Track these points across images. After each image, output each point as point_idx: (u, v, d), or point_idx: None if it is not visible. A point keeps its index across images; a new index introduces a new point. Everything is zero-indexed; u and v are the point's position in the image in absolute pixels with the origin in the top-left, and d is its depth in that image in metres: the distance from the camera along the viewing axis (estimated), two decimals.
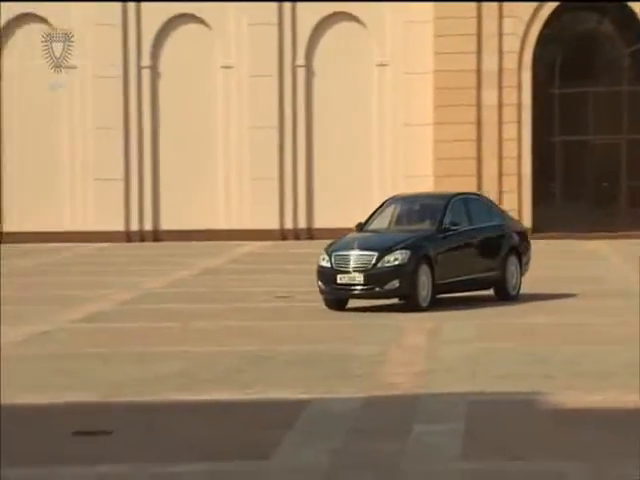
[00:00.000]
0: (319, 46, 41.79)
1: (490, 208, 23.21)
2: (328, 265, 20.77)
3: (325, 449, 10.57)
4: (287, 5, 41.16)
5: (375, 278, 20.42)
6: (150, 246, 40.26)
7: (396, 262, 20.36)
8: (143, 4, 40.87)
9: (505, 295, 22.09)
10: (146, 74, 41.41)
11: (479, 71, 41.17)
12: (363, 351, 17.03)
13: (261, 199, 40.26)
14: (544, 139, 42.84)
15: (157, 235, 41.31)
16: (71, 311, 22.20)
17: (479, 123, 41.34)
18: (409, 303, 20.59)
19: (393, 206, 22.71)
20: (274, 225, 41.20)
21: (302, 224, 41.89)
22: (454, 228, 21.28)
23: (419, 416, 12.24)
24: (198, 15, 41.20)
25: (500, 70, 41.19)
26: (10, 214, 40.69)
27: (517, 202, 40.83)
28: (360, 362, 15.97)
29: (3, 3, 39.48)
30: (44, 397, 13.73)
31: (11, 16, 40.44)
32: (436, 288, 20.83)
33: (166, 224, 41.17)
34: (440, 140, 41.05)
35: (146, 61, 41.32)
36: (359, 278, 20.44)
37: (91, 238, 39.27)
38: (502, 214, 23.38)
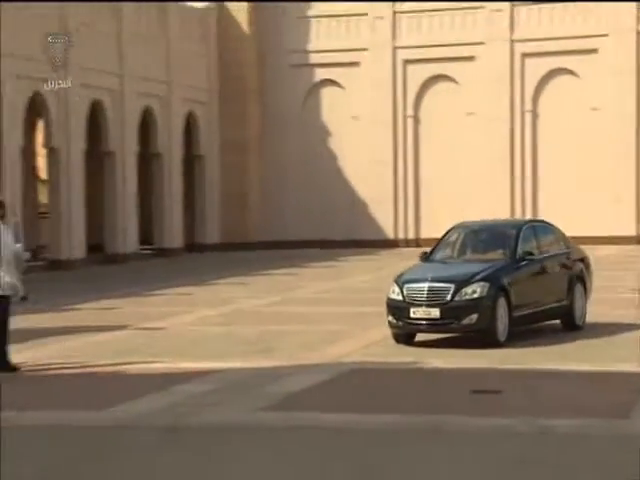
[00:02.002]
0: None
1: (556, 235, 17.21)
2: (400, 298, 14.91)
3: None
4: None
5: (452, 312, 14.66)
6: None
7: (474, 295, 14.66)
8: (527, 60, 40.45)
9: (572, 325, 16.28)
10: (528, 117, 40.81)
11: None
12: None
13: None
14: None
15: None
16: None
17: None
18: (487, 338, 14.75)
19: (458, 234, 16.85)
20: None
21: None
22: (529, 258, 15.66)
23: None
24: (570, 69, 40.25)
25: None
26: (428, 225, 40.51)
27: None
28: None
29: None
30: (448, 362, 13.64)
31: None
32: (513, 321, 15.06)
33: None
34: None
35: (528, 106, 40.72)
36: (435, 312, 14.68)
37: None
38: (566, 241, 17.28)
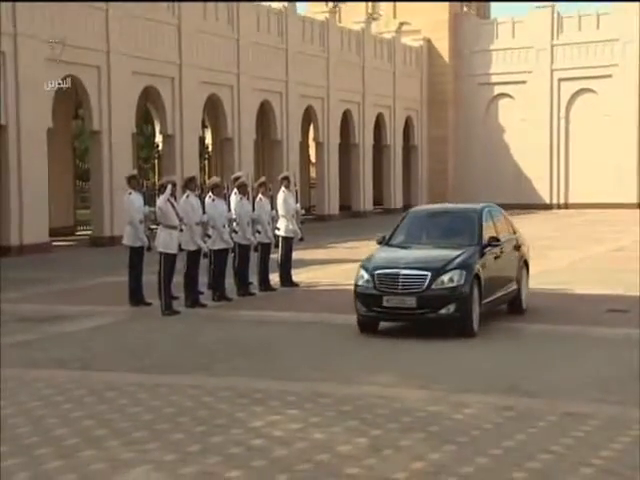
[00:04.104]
0: None
1: (505, 219, 11.27)
2: (370, 285, 9.31)
3: None
4: None
5: (429, 301, 9.08)
6: None
7: (451, 284, 9.09)
8: None
9: (518, 308, 10.79)
10: None
11: None
12: None
13: None
14: None
15: None
16: (602, 245, 20.66)
17: None
18: (462, 328, 9.25)
19: (416, 219, 10.99)
20: None
21: None
22: (494, 243, 9.92)
23: None
24: None
25: None
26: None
27: None
28: None
29: None
30: (588, 290, 12.65)
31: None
32: (481, 308, 9.50)
33: None
34: None
35: None
36: (410, 301, 9.08)
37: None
38: (512, 225, 11.41)
